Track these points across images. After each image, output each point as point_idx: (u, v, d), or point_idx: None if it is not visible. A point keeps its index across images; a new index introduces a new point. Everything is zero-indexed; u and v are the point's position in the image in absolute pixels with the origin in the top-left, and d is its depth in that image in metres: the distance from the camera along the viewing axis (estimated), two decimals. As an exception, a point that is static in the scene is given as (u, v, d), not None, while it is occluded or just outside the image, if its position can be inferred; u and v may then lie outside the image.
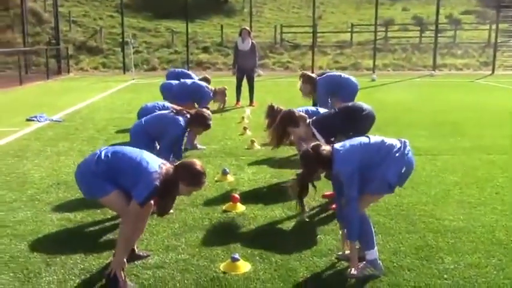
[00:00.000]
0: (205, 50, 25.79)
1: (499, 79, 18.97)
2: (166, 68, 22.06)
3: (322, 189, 5.06)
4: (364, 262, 3.49)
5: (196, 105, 7.95)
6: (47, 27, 25.58)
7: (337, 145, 3.55)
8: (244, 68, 12.13)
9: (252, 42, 12.22)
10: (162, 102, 7.62)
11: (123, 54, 22.26)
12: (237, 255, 3.60)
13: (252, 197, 5.20)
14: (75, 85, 17.28)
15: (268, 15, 32.86)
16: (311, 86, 7.14)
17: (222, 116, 10.20)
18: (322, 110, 5.85)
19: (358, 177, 3.38)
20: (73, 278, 3.47)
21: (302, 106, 6.07)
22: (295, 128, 4.95)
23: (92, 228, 4.39)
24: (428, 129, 8.87)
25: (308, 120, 5.00)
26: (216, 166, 6.33)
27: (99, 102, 12.74)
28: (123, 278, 3.31)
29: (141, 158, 3.40)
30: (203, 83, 9.02)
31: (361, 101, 5.51)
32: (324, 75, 7.40)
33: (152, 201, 3.43)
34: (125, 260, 3.35)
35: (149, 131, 5.34)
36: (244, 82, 12.19)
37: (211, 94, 8.80)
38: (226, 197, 5.10)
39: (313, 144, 3.63)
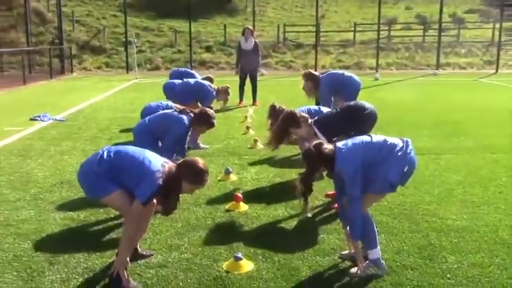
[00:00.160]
0: (208, 49, 25.80)
1: (503, 78, 18.91)
2: (169, 67, 22.10)
3: (325, 188, 5.06)
4: (367, 261, 3.49)
5: (199, 105, 7.96)
6: (51, 27, 25.65)
7: (339, 144, 3.55)
8: (247, 68, 12.12)
9: (255, 42, 12.21)
10: (165, 101, 7.64)
11: (126, 53, 22.30)
12: (240, 255, 3.60)
13: (254, 196, 5.20)
14: (79, 85, 17.32)
15: (271, 14, 32.84)
16: (312, 83, 7.14)
17: (225, 115, 10.20)
18: (324, 110, 5.85)
19: (361, 176, 3.38)
20: (76, 277, 3.47)
21: (304, 106, 6.07)
22: (297, 129, 4.94)
23: (95, 228, 4.40)
24: (431, 128, 8.85)
25: (310, 120, 4.99)
26: (219, 165, 6.33)
27: (102, 101, 12.76)
28: (126, 277, 3.31)
29: (144, 157, 3.41)
30: (206, 82, 9.02)
31: (364, 100, 5.50)
32: (327, 73, 7.40)
33: (155, 201, 3.44)
34: (127, 259, 3.36)
35: (153, 130, 5.35)
36: (247, 81, 12.19)
37: (214, 93, 8.81)
38: (229, 196, 5.10)
39: (315, 142, 3.63)
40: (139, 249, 3.74)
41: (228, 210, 4.78)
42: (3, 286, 3.35)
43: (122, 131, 8.67)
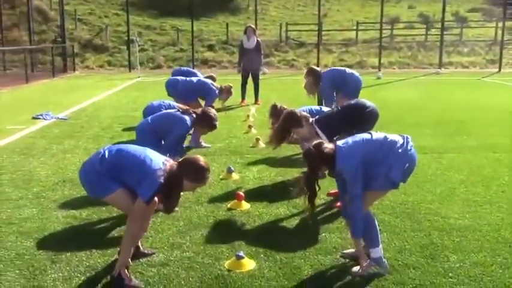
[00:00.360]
0: (211, 48, 25.80)
1: (506, 77, 18.88)
2: (171, 66, 22.12)
3: (327, 187, 5.06)
4: (369, 260, 3.49)
5: (201, 104, 7.95)
6: (53, 26, 25.69)
7: (340, 142, 3.54)
8: (250, 66, 12.11)
9: (257, 40, 12.20)
10: (168, 100, 7.64)
11: (129, 52, 22.32)
12: (241, 253, 3.60)
13: (256, 195, 5.20)
14: (81, 83, 17.34)
15: (274, 13, 32.82)
16: (313, 78, 7.14)
17: (227, 114, 10.20)
18: (325, 109, 5.85)
19: (362, 173, 3.37)
20: (78, 275, 3.48)
21: (306, 105, 6.07)
22: (298, 128, 4.93)
23: (97, 226, 4.40)
24: (433, 127, 8.84)
25: (311, 120, 4.98)
26: (221, 164, 6.34)
27: (104, 100, 12.77)
28: (128, 275, 3.32)
29: (145, 155, 3.41)
30: (209, 81, 9.02)
31: (366, 99, 5.50)
32: (329, 69, 7.40)
33: (156, 199, 3.44)
34: (129, 259, 3.37)
35: (156, 130, 5.35)
36: (249, 80, 12.18)
37: (217, 92, 8.80)
38: (231, 195, 5.10)
39: (315, 142, 3.62)
40: (141, 248, 3.74)
41: (230, 209, 4.78)
42: (5, 284, 3.36)
43: (124, 129, 8.68)
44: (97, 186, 3.44)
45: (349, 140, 3.55)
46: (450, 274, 3.48)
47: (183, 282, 3.38)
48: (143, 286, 3.33)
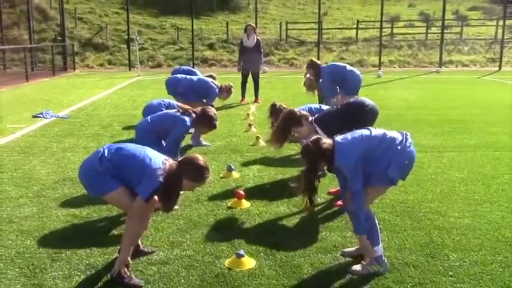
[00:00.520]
0: (211, 46, 25.81)
1: (506, 75, 18.87)
2: (171, 64, 22.13)
3: (327, 186, 5.06)
4: (369, 259, 3.49)
5: (201, 102, 7.94)
6: (53, 24, 25.69)
7: (338, 138, 3.53)
8: (250, 65, 12.11)
9: (257, 39, 12.20)
10: (167, 99, 7.62)
11: (129, 51, 22.32)
12: (241, 252, 3.60)
13: (257, 193, 5.20)
14: (81, 82, 17.34)
15: (274, 11, 32.81)
16: (313, 71, 7.15)
17: (227, 112, 10.20)
18: (325, 108, 5.85)
19: (361, 169, 3.36)
20: (78, 273, 3.48)
21: (306, 104, 6.06)
22: (298, 127, 4.93)
23: (97, 225, 4.40)
24: (434, 126, 8.84)
25: (311, 118, 4.98)
26: (221, 163, 6.34)
27: (104, 99, 12.77)
28: (128, 273, 3.32)
29: (145, 154, 3.41)
30: (209, 79, 9.01)
31: (366, 97, 5.50)
32: (329, 64, 7.41)
33: (156, 197, 3.44)
34: (129, 257, 3.37)
35: (156, 129, 5.35)
36: (249, 79, 12.18)
37: (217, 90, 8.80)
38: (231, 194, 5.10)
39: (313, 138, 3.60)
40: (141, 246, 3.74)
41: (230, 208, 4.78)
42: (6, 282, 3.37)
43: (124, 128, 8.68)
44: (96, 185, 3.44)
45: (348, 135, 3.53)
46: (450, 273, 3.48)
47: (183, 281, 3.38)
48: (143, 284, 3.33)
